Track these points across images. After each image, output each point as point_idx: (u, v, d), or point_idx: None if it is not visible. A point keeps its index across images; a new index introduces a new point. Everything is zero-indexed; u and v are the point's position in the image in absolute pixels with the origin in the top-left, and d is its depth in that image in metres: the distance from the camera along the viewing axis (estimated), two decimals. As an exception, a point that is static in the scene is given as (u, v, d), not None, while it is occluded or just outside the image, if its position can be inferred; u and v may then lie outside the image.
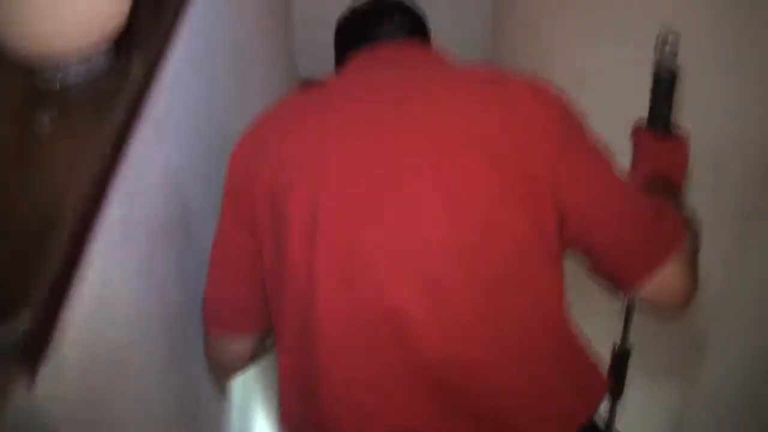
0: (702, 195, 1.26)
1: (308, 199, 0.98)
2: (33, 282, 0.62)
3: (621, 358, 1.33)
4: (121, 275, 0.87)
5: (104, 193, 0.79)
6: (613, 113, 1.75)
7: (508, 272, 0.97)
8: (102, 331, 0.80)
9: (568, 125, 1.03)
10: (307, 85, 1.20)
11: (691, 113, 1.23)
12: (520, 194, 0.97)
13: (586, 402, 1.02)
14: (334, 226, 0.97)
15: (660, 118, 1.16)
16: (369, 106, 1.05)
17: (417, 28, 1.29)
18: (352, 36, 1.29)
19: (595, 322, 1.48)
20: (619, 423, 1.32)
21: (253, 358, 1.19)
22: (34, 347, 0.60)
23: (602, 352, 1.32)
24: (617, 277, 1.02)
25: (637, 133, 1.21)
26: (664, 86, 1.14)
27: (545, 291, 1.00)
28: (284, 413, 1.07)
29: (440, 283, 0.95)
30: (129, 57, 0.92)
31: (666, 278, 0.99)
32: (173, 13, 1.09)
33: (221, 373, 1.24)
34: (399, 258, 0.96)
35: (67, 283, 0.68)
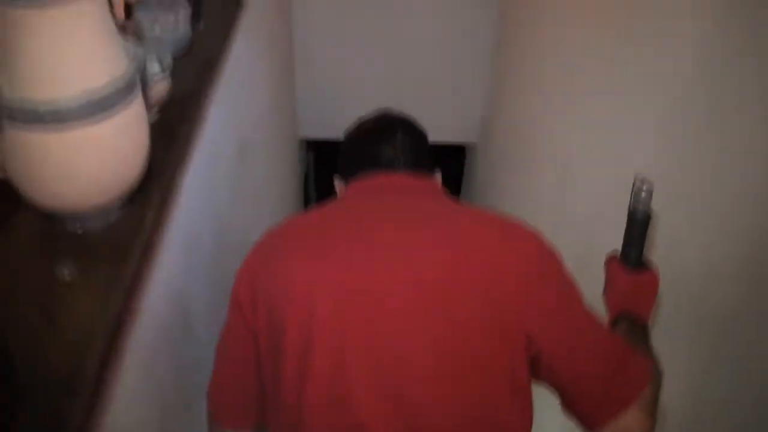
0: (662, 328, 1.35)
1: (302, 330, 1.07)
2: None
3: None
4: (128, 376, 0.96)
5: (122, 335, 0.88)
6: (595, 203, 1.85)
7: (478, 404, 1.05)
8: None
9: (541, 267, 1.11)
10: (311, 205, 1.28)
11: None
12: (493, 331, 1.05)
13: None
14: (323, 361, 1.05)
15: (633, 253, 1.25)
16: (362, 237, 1.14)
17: (418, 147, 1.37)
18: (357, 153, 1.37)
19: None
20: None
21: None
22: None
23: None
24: (581, 416, 1.10)
25: (610, 264, 1.30)
26: (638, 226, 1.23)
27: (513, 423, 1.08)
28: None
29: (420, 417, 1.04)
30: (144, 200, 1.00)
31: (627, 420, 1.06)
32: (183, 143, 1.18)
33: None
34: (382, 399, 1.04)
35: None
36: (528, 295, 1.07)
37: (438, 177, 1.38)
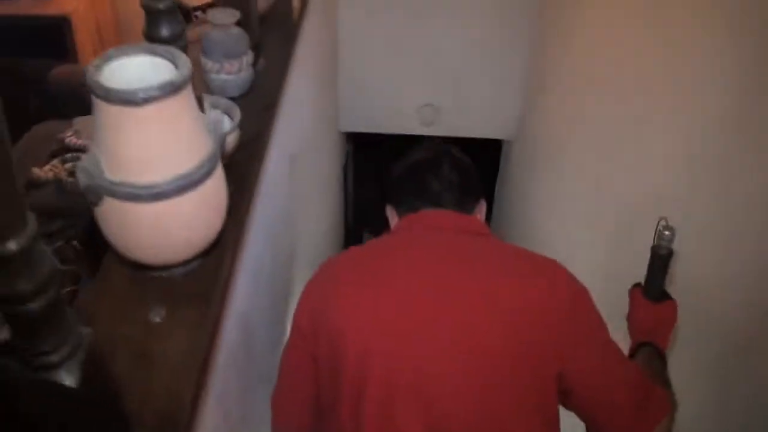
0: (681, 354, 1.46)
1: (358, 366, 1.21)
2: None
3: None
4: (208, 401, 1.11)
5: (208, 370, 1.02)
6: (624, 210, 1.95)
7: None
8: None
9: (575, 309, 1.23)
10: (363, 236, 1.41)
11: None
12: (530, 372, 1.18)
13: None
14: (377, 397, 1.19)
15: (655, 286, 1.38)
16: (414, 278, 1.26)
17: (464, 181, 1.48)
18: (406, 186, 1.49)
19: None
20: None
21: None
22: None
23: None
24: None
25: (633, 295, 1.43)
26: (660, 263, 1.35)
27: None
28: None
29: None
30: (220, 245, 1.14)
31: None
32: (252, 184, 1.31)
33: None
34: (428, 425, 1.18)
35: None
36: (562, 337, 1.20)
37: (482, 206, 1.49)
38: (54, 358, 0.71)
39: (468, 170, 1.50)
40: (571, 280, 1.26)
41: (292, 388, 1.38)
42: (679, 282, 1.48)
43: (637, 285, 1.43)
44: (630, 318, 1.43)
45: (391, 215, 1.51)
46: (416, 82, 3.48)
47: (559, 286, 1.24)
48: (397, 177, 1.53)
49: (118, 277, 1.09)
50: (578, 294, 1.25)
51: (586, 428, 1.25)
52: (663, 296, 1.38)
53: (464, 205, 1.44)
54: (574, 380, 1.19)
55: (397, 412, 1.18)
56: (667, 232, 1.32)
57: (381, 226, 1.58)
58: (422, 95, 3.50)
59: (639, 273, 1.43)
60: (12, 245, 0.61)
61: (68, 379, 0.72)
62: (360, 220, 4.38)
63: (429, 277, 1.25)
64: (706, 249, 1.47)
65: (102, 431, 0.82)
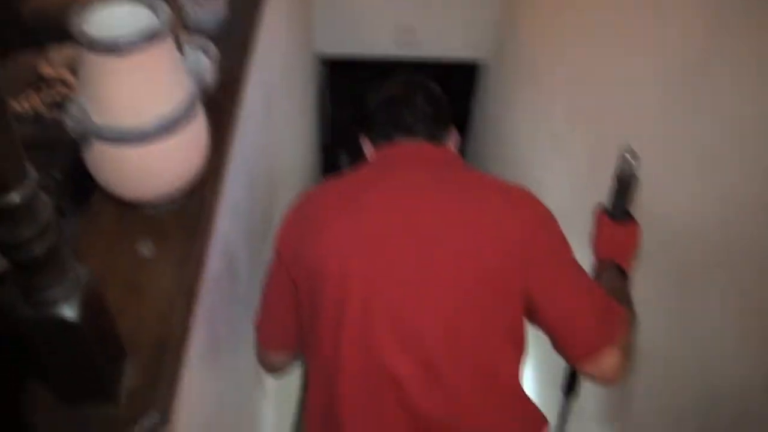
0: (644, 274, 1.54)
1: (338, 284, 1.28)
2: (160, 386, 0.93)
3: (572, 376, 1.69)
4: (197, 327, 1.17)
5: (195, 298, 1.10)
6: (596, 135, 1.99)
7: (479, 350, 1.28)
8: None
9: (540, 231, 1.30)
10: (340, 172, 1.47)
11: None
12: (496, 290, 1.26)
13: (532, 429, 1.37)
14: (356, 316, 1.27)
15: (618, 208, 1.45)
16: (389, 208, 1.32)
17: (437, 112, 1.52)
18: (380, 117, 1.54)
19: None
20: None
21: (289, 366, 1.56)
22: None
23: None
24: (568, 351, 1.32)
25: (598, 216, 1.50)
26: (624, 185, 1.42)
27: (506, 359, 1.31)
28: None
29: (431, 358, 1.26)
30: (202, 182, 1.19)
31: (606, 359, 1.28)
32: (228, 122, 1.35)
33: (267, 371, 1.60)
34: (401, 342, 1.26)
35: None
36: (525, 253, 1.27)
37: (454, 135, 1.55)
38: (55, 295, 0.77)
39: (440, 101, 1.55)
40: (535, 201, 1.33)
41: (275, 313, 1.46)
42: (643, 203, 1.54)
43: (602, 206, 1.50)
44: (593, 237, 1.51)
45: (367, 147, 1.56)
46: (392, 2, 3.46)
47: (523, 207, 1.31)
48: (372, 109, 1.57)
49: (106, 214, 1.15)
50: (541, 214, 1.32)
51: (551, 343, 1.34)
52: (626, 217, 1.46)
53: (435, 134, 1.49)
54: (538, 297, 1.27)
55: (374, 334, 1.26)
56: (629, 156, 1.39)
57: (357, 147, 1.62)
58: (398, 16, 3.48)
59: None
60: (15, 197, 0.66)
61: (68, 313, 0.78)
62: (336, 142, 4.41)
63: (402, 205, 1.32)
64: (670, 171, 1.52)
65: (99, 359, 0.89)
